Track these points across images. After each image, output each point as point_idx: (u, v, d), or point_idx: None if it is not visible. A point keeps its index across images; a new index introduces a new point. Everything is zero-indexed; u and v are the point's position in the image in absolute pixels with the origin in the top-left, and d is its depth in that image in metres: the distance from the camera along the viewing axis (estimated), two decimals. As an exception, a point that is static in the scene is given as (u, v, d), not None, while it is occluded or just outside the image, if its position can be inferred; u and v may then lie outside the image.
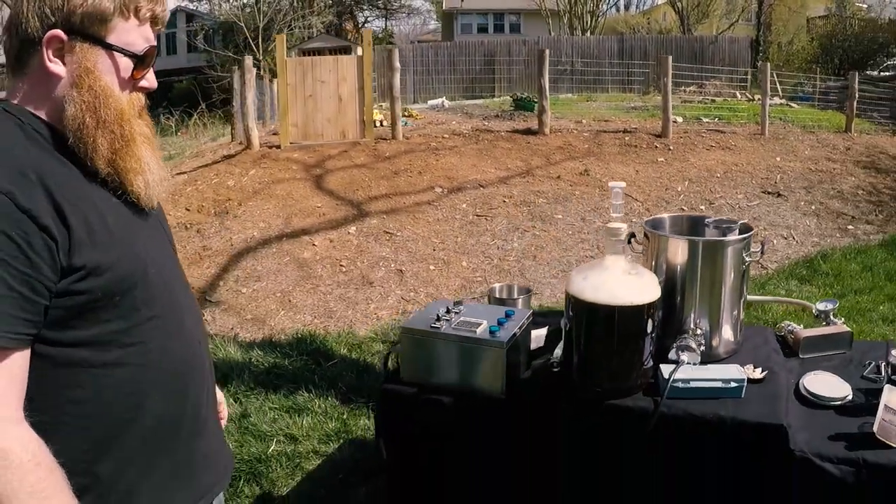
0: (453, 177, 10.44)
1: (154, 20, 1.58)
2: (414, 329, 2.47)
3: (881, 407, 2.18)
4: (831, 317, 2.87)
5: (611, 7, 44.76)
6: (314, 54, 19.90)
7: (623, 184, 2.41)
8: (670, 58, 13.63)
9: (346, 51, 24.27)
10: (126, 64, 1.53)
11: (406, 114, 13.77)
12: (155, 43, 1.59)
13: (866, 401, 2.35)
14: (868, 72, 26.45)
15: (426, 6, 56.01)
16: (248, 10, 29.32)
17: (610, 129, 13.68)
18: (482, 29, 45.50)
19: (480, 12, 45.91)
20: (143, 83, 1.59)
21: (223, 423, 2.03)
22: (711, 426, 2.17)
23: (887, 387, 2.19)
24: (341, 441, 4.16)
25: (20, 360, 1.35)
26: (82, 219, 1.41)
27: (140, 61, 1.55)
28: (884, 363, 2.40)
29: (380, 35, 42.19)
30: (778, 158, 12.43)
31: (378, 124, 12.90)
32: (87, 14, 1.46)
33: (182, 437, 1.65)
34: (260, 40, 26.96)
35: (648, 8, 50.21)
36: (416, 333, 2.46)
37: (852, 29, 31.29)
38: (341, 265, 7.70)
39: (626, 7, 50.62)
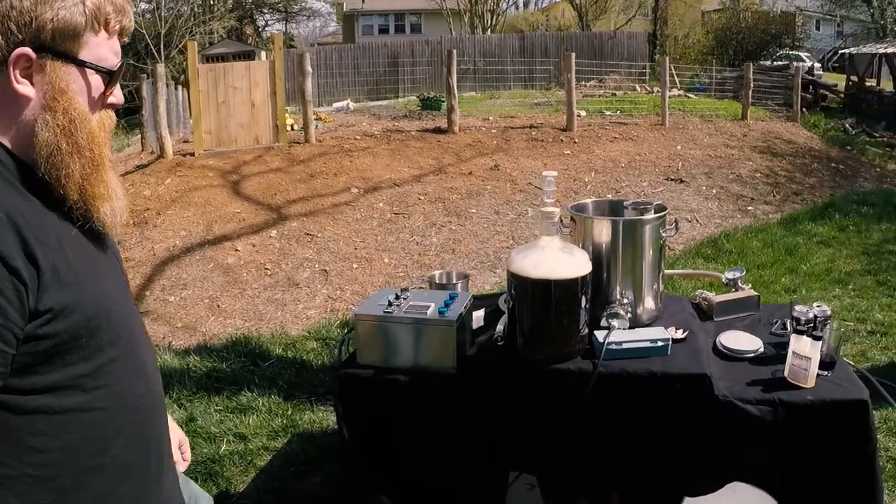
0: (368, 177, 10.64)
1: (121, 32, 1.48)
2: (368, 315, 2.67)
3: (790, 354, 2.50)
4: (739, 283, 3.21)
5: (511, 5, 45.32)
6: (218, 60, 19.80)
7: (555, 173, 2.66)
8: (573, 55, 14.06)
9: (249, 55, 24.19)
10: (98, 82, 1.44)
11: (316, 117, 13.90)
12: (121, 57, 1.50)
13: (776, 352, 2.68)
14: (762, 62, 27.46)
15: (326, 8, 55.84)
16: (148, 16, 28.95)
17: (516, 125, 14.04)
18: (383, 30, 45.68)
19: (381, 13, 46.04)
20: (111, 100, 1.50)
21: (186, 464, 2.04)
22: (644, 381, 2.46)
23: (793, 336, 2.50)
24: (289, 436, 4.31)
25: None
26: (50, 258, 1.30)
27: (111, 77, 1.46)
28: (789, 319, 2.70)
29: (279, 34, 42.03)
30: (679, 147, 12.95)
31: (290, 128, 12.99)
32: (57, 29, 1.35)
33: (146, 481, 1.56)
34: (161, 47, 26.64)
35: (547, 5, 50.94)
36: (371, 319, 2.66)
37: (746, 21, 32.37)
38: (266, 269, 7.83)
39: (526, 5, 51.23)
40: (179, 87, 16.96)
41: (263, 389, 4.91)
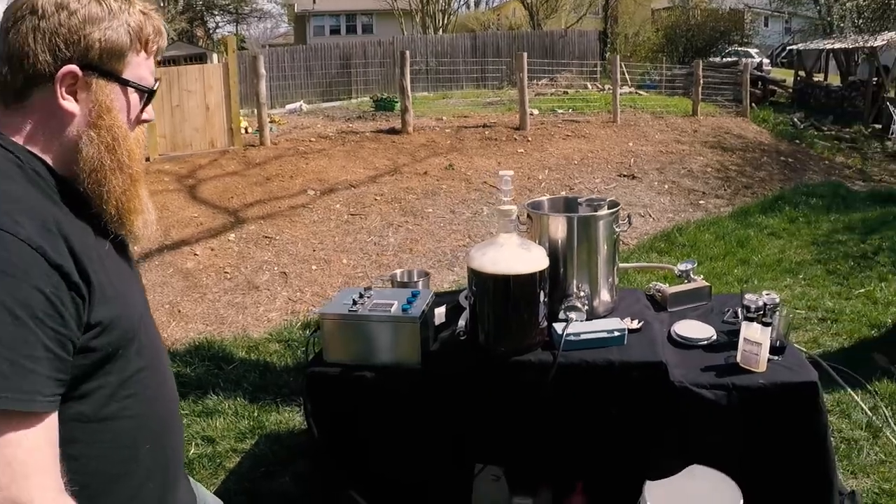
0: (325, 179, 10.67)
1: (157, 52, 1.52)
2: (333, 314, 2.74)
3: (741, 340, 2.62)
4: (691, 275, 3.32)
5: (462, 5, 45.49)
6: (169, 63, 19.67)
7: (511, 172, 2.76)
8: (525, 54, 14.22)
9: (201, 58, 24.02)
10: (136, 100, 1.49)
11: (270, 119, 13.90)
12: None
13: (728, 339, 2.81)
14: (711, 59, 27.84)
15: (277, 9, 55.58)
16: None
17: (470, 124, 14.15)
18: (335, 30, 45.61)
19: (333, 14, 45.96)
20: (145, 116, 1.54)
21: None
22: (603, 370, 2.56)
23: (744, 323, 2.62)
24: (257, 437, 4.36)
25: (55, 423, 1.28)
26: (97, 273, 1.34)
27: (149, 96, 1.51)
28: (740, 308, 2.81)
29: (233, 36, 41.81)
30: (631, 143, 13.14)
31: (244, 131, 12.97)
32: (105, 49, 1.40)
33: (166, 485, 1.60)
34: (112, 51, 26.37)
35: (498, 4, 51.17)
36: (336, 317, 2.74)
37: (695, 19, 32.74)
38: (226, 272, 7.84)
39: (477, 4, 51.48)
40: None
41: (229, 392, 4.95)
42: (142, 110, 1.52)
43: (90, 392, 1.38)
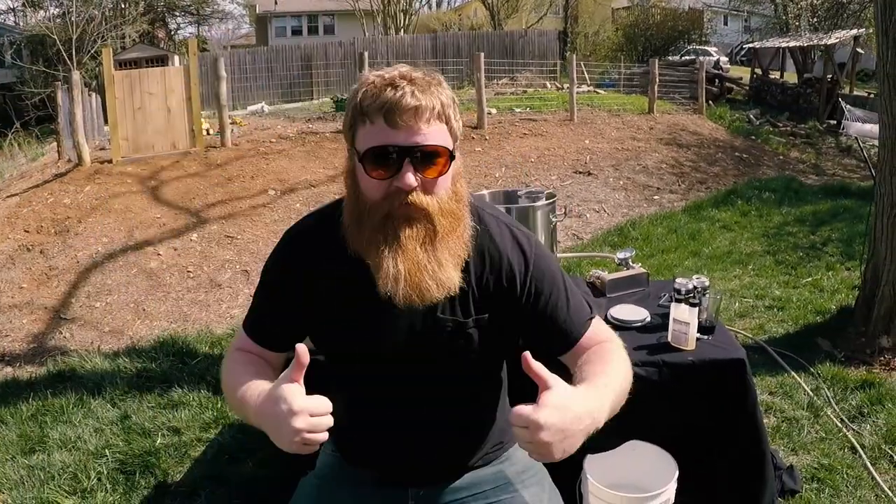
0: (285, 179, 10.80)
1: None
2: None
3: (671, 320, 2.80)
4: (630, 263, 3.51)
5: (423, 5, 45.54)
6: (131, 65, 19.62)
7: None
8: (482, 54, 14.38)
9: (162, 60, 23.88)
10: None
11: (231, 121, 13.95)
12: None
13: (661, 321, 2.99)
14: (669, 57, 28.17)
15: (239, 10, 55.22)
16: (58, 21, 28.41)
17: (429, 126, 14.30)
18: (296, 31, 45.49)
19: (294, 14, 45.84)
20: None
21: None
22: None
23: (673, 304, 2.80)
24: (221, 427, 4.46)
25: None
26: None
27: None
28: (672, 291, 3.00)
29: (194, 38, 41.60)
30: (587, 141, 13.36)
31: (206, 133, 13.04)
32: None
33: None
34: (73, 52, 26.17)
35: (460, 5, 51.31)
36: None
37: (654, 18, 33.07)
38: (189, 271, 7.94)
39: (438, 5, 51.52)
40: (93, 94, 16.78)
41: (193, 385, 5.05)
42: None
43: None
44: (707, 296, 2.94)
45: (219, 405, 4.73)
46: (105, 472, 3.93)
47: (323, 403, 1.53)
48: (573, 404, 1.53)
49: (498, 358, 1.94)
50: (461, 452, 1.97)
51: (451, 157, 1.67)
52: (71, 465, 4.00)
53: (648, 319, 3.02)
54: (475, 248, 1.77)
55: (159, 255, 8.25)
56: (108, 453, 4.13)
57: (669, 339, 2.84)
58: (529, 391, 1.56)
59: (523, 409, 1.48)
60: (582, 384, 1.68)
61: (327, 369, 1.95)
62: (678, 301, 2.78)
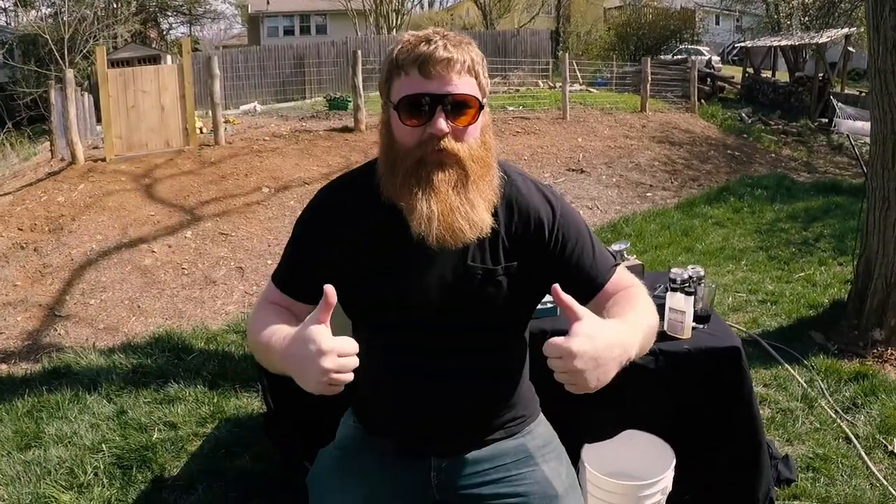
0: (279, 176, 10.81)
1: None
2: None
3: (666, 309, 2.83)
4: (625, 254, 3.54)
5: (416, 5, 45.63)
6: (123, 65, 19.62)
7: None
8: (476, 52, 14.40)
9: (155, 60, 23.90)
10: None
11: (224, 120, 13.96)
12: None
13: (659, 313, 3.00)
14: (661, 56, 28.26)
15: (231, 10, 55.27)
16: (50, 21, 28.34)
17: (421, 122, 14.34)
18: (288, 31, 45.49)
19: (286, 14, 45.85)
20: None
21: None
22: (537, 339, 2.72)
23: (669, 293, 2.82)
24: (217, 421, 4.47)
25: None
26: None
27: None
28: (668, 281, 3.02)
29: (184, 41, 41.53)
30: (580, 139, 13.41)
31: (199, 131, 13.03)
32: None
33: None
34: (65, 52, 26.12)
35: (452, 4, 51.44)
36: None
37: (646, 18, 33.16)
38: (183, 268, 7.95)
39: (431, 4, 51.68)
40: (85, 94, 16.75)
41: (189, 381, 5.06)
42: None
43: None
44: (702, 285, 2.97)
45: (215, 400, 4.75)
46: (101, 467, 3.94)
47: (350, 344, 1.56)
48: (605, 333, 1.59)
49: (525, 308, 2.00)
50: (485, 416, 2.00)
51: (481, 107, 1.76)
52: (67, 461, 4.01)
53: (644, 309, 3.05)
54: (503, 199, 1.85)
55: (154, 252, 8.25)
56: (104, 448, 4.14)
57: (665, 328, 2.86)
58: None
59: (556, 339, 1.54)
60: (612, 320, 1.74)
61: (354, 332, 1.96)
62: (674, 290, 2.81)
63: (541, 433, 2.14)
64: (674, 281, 2.86)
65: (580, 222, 1.96)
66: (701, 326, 2.93)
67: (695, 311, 2.90)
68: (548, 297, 2.89)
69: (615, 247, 3.62)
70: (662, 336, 2.84)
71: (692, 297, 2.81)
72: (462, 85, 1.72)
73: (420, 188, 1.71)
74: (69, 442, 4.25)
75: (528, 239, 1.88)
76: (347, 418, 2.13)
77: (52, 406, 4.74)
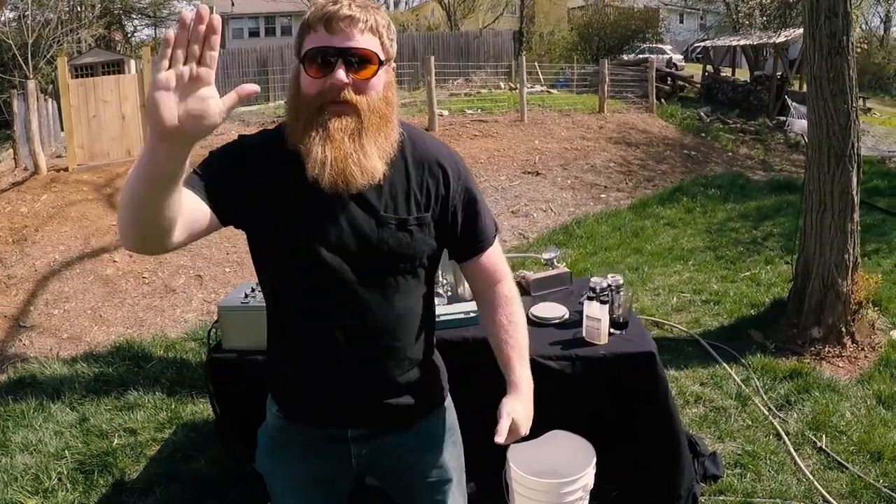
0: (239, 184, 10.88)
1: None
2: (229, 307, 3.10)
3: (584, 317, 3.03)
4: (555, 262, 3.74)
5: (381, 5, 45.52)
6: (87, 69, 19.52)
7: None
8: (433, 58, 14.59)
9: (118, 64, 23.76)
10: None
11: (187, 126, 13.85)
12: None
13: (579, 318, 3.21)
14: (624, 56, 28.42)
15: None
16: (14, 25, 28.02)
17: (384, 124, 14.44)
18: (254, 33, 45.31)
19: (251, 16, 45.68)
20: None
21: None
22: (459, 345, 2.94)
23: (586, 302, 3.02)
24: (175, 427, 4.65)
25: None
26: None
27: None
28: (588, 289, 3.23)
29: (148, 43, 41.30)
30: (537, 141, 13.56)
31: (160, 138, 13.05)
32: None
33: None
34: (29, 57, 25.86)
35: (417, 5, 51.41)
36: (232, 310, 3.10)
37: (608, 18, 33.31)
38: (144, 277, 8.06)
39: (396, 5, 51.61)
40: (49, 100, 16.71)
41: (148, 388, 5.21)
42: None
43: None
44: (621, 293, 3.17)
45: (173, 406, 4.92)
46: (65, 473, 4.12)
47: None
48: (527, 394, 2.06)
49: (430, 259, 2.06)
50: (396, 374, 2.06)
51: (381, 63, 1.85)
52: (33, 467, 4.18)
53: (567, 316, 3.25)
54: (415, 155, 1.98)
55: (115, 262, 8.36)
56: (67, 454, 4.31)
57: (584, 334, 3.06)
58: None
59: (502, 427, 1.91)
60: (513, 363, 2.13)
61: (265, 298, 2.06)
62: (590, 299, 3.01)
63: (447, 418, 2.28)
64: (592, 290, 3.06)
65: (477, 188, 2.11)
66: (619, 332, 3.12)
67: (613, 318, 3.10)
68: (469, 307, 3.10)
69: (546, 255, 3.83)
70: (581, 342, 3.04)
71: (607, 306, 3.01)
72: (364, 41, 1.81)
73: (317, 134, 1.79)
74: (34, 449, 4.41)
75: (437, 193, 2.00)
76: (270, 404, 2.17)
77: (18, 415, 4.90)
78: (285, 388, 2.10)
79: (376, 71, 1.84)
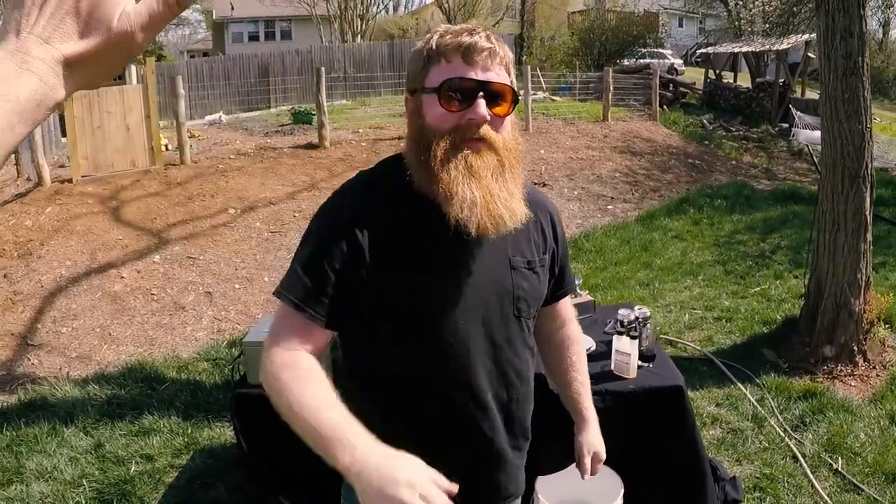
0: (244, 197, 10.90)
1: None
2: (255, 342, 3.08)
3: (613, 351, 3.02)
4: (578, 290, 3.72)
5: (381, 10, 45.63)
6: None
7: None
8: (438, 67, 14.55)
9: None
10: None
11: (189, 134, 13.95)
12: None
13: (606, 349, 3.20)
14: (625, 62, 28.43)
15: (195, 16, 54.98)
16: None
17: (385, 136, 14.47)
18: (253, 37, 45.43)
19: (251, 20, 45.77)
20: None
21: None
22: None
23: (615, 336, 3.01)
24: (192, 452, 4.63)
25: None
26: None
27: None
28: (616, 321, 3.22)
29: (149, 47, 41.38)
30: (542, 151, 13.57)
31: (164, 148, 13.07)
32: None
33: None
34: (30, 64, 25.85)
35: (417, 8, 51.47)
36: (257, 345, 3.07)
37: (609, 23, 33.36)
38: (152, 294, 8.04)
39: (395, 8, 51.64)
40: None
41: (163, 411, 5.19)
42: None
43: None
44: (647, 326, 3.16)
45: (189, 431, 4.89)
46: (83, 502, 4.10)
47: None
48: (597, 428, 2.32)
49: (545, 302, 2.03)
50: (523, 438, 2.05)
51: (515, 100, 1.76)
52: (49, 496, 4.17)
53: (594, 348, 3.24)
54: (525, 198, 1.81)
55: (123, 277, 8.33)
56: (84, 483, 4.29)
57: (613, 368, 3.05)
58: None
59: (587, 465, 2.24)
60: (584, 399, 2.33)
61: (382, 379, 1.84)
62: (619, 333, 3.00)
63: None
64: (621, 323, 3.05)
65: None
66: (646, 365, 3.11)
67: (640, 351, 3.09)
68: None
69: (568, 283, 3.82)
70: (610, 376, 3.03)
71: (636, 340, 3.00)
72: (501, 76, 1.72)
73: (459, 173, 1.65)
74: (50, 477, 4.39)
75: (547, 234, 1.95)
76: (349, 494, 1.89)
77: (31, 440, 4.86)
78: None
79: (512, 106, 1.75)
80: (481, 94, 1.67)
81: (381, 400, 1.82)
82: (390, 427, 1.60)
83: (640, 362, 3.08)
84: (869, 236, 5.55)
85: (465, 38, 1.68)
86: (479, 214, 1.64)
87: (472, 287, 1.77)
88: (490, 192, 1.66)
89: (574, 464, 3.06)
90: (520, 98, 1.77)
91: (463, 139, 1.68)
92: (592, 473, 2.14)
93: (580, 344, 2.22)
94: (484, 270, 1.79)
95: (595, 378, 3.00)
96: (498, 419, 1.88)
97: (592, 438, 2.20)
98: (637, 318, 3.13)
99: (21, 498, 4.15)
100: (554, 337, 2.19)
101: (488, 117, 1.68)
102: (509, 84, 1.73)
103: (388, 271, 1.71)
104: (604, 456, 2.21)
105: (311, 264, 1.72)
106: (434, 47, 1.71)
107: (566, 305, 2.19)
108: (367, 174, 1.86)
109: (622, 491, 2.98)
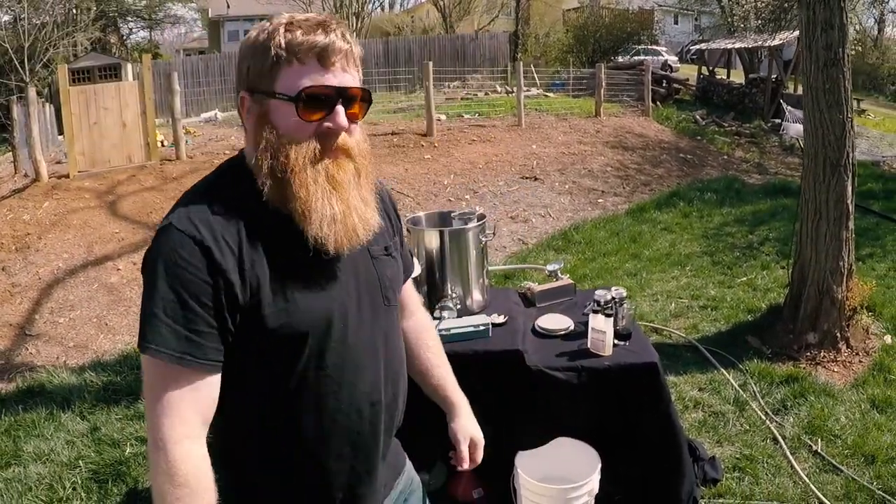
0: (238, 190, 10.95)
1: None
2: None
3: (589, 329, 3.13)
4: (559, 274, 3.85)
5: (376, 8, 45.64)
6: (84, 73, 19.56)
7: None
8: (431, 63, 14.65)
9: (115, 68, 23.80)
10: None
11: (185, 131, 14.00)
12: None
13: (584, 329, 3.31)
14: (619, 59, 28.51)
15: (191, 15, 54.92)
16: (9, 28, 27.98)
17: (379, 132, 14.51)
18: (249, 36, 45.39)
19: (247, 18, 45.64)
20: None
21: None
22: (469, 358, 3.04)
23: (591, 314, 3.12)
24: (184, 435, 4.75)
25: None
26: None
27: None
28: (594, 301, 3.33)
29: (145, 46, 41.42)
30: (534, 146, 13.64)
31: (161, 144, 13.16)
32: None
33: None
34: (25, 60, 25.85)
35: (413, 6, 51.45)
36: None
37: (603, 20, 33.41)
38: (148, 286, 8.10)
39: (391, 6, 51.65)
40: (47, 104, 16.72)
41: (157, 397, 5.29)
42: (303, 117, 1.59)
43: None
44: (624, 306, 3.26)
45: (183, 415, 4.98)
46: (79, 482, 4.20)
47: None
48: (470, 412, 2.13)
49: None
50: (396, 426, 1.90)
51: (369, 100, 1.68)
52: (46, 477, 4.26)
53: (572, 328, 3.35)
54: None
55: (119, 269, 8.42)
56: (80, 464, 4.38)
57: (589, 346, 3.16)
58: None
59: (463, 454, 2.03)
60: (449, 384, 2.15)
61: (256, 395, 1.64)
62: (595, 312, 3.11)
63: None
64: (597, 302, 3.16)
65: None
66: (622, 343, 3.22)
67: (616, 330, 3.20)
68: (480, 321, 3.20)
69: (549, 267, 3.93)
70: (586, 353, 3.14)
71: (612, 318, 3.11)
72: (356, 77, 1.63)
73: (319, 186, 1.55)
74: (47, 459, 4.49)
75: (391, 215, 1.89)
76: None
77: (29, 425, 4.96)
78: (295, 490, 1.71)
79: (366, 108, 1.67)
80: (340, 100, 1.59)
81: (258, 424, 1.64)
82: (272, 450, 1.61)
83: (616, 341, 3.18)
84: (851, 224, 5.62)
85: (320, 38, 1.56)
86: (337, 230, 1.56)
87: (340, 289, 1.66)
88: (349, 204, 1.59)
89: (553, 440, 3.18)
90: (373, 100, 1.69)
91: (322, 150, 1.58)
92: (473, 460, 1.96)
93: (434, 330, 2.13)
94: (350, 269, 1.69)
95: (571, 355, 3.13)
96: (384, 415, 1.76)
97: (465, 422, 2.01)
98: (613, 297, 3.24)
99: (19, 479, 4.24)
100: (406, 325, 2.04)
101: (348, 126, 1.61)
102: (364, 87, 1.65)
103: (255, 293, 1.54)
104: (482, 440, 2.01)
105: (179, 313, 1.48)
106: (284, 45, 1.56)
107: (412, 291, 2.09)
108: (202, 187, 1.66)
109: (599, 465, 3.10)
